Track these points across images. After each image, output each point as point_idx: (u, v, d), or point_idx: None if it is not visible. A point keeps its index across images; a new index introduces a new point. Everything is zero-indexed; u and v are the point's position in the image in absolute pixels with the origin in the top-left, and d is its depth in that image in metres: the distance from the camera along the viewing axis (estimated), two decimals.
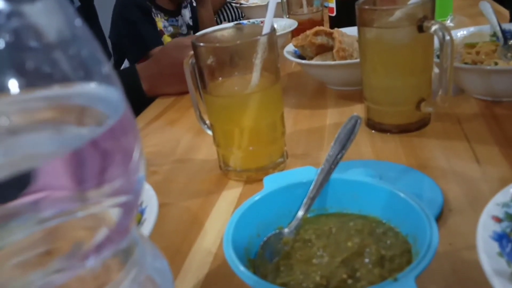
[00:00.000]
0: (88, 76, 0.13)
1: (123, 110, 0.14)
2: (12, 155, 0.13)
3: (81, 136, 0.13)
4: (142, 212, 0.41)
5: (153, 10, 1.49)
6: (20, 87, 0.12)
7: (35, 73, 0.12)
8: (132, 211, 0.16)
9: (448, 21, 1.01)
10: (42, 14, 0.12)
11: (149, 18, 1.47)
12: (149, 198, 0.42)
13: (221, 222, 0.47)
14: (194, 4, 1.71)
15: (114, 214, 0.15)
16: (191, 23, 1.63)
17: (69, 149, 0.13)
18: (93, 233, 0.15)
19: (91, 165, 0.13)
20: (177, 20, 1.55)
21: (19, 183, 0.12)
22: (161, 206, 0.44)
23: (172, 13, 1.54)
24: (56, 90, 0.13)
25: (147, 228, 0.38)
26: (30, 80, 0.12)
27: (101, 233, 0.15)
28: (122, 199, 0.15)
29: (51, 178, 0.13)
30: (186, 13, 1.62)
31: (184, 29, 1.58)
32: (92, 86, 0.13)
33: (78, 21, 0.13)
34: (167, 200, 0.52)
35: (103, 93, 0.14)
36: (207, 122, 0.57)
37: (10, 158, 0.13)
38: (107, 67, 0.14)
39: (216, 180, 0.56)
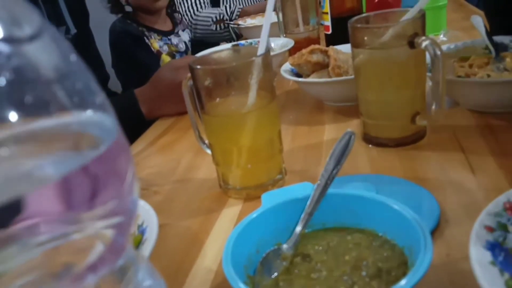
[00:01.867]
0: (83, 105, 0.14)
1: (116, 136, 0.15)
2: (11, 180, 0.14)
3: (76, 161, 0.14)
4: (143, 232, 0.42)
5: (146, 33, 1.51)
6: (20, 118, 0.13)
7: (34, 105, 0.13)
8: (126, 231, 0.17)
9: (441, 36, 1.03)
10: (40, 52, 0.13)
11: (143, 44, 1.50)
12: (150, 218, 0.43)
13: (221, 240, 0.48)
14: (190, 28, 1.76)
15: (109, 234, 0.16)
16: (189, 45, 1.67)
17: (64, 173, 0.14)
18: (89, 254, 0.16)
19: (86, 187, 0.14)
20: (169, 39, 1.57)
21: (16, 208, 0.13)
22: (162, 225, 0.45)
23: (166, 33, 1.57)
24: (53, 120, 0.14)
25: (148, 248, 0.39)
26: (29, 111, 0.13)
27: (97, 253, 0.16)
28: (116, 219, 0.16)
29: (48, 201, 0.14)
30: (186, 36, 1.66)
31: (181, 47, 1.60)
32: (87, 114, 0.14)
33: (73, 56, 0.14)
34: (168, 220, 0.53)
35: (97, 120, 0.15)
36: (206, 141, 0.58)
37: (8, 183, 0.14)
38: (101, 97, 0.15)
39: (216, 198, 0.56)
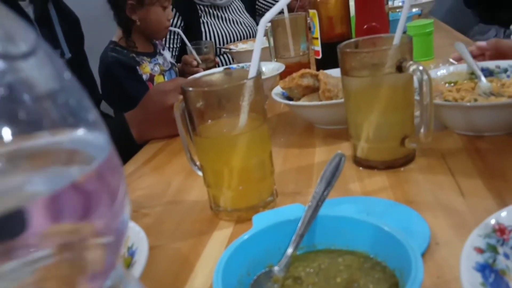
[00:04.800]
0: (76, 123, 0.14)
1: (108, 154, 0.15)
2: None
3: (66, 178, 0.14)
4: (132, 255, 0.41)
5: (136, 58, 1.53)
6: (12, 134, 0.13)
7: (27, 121, 0.13)
8: (116, 250, 0.16)
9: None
10: (34, 69, 0.13)
11: (134, 74, 1.51)
12: (140, 240, 0.43)
13: (212, 263, 0.47)
14: (169, 46, 1.81)
15: (99, 253, 0.16)
16: (172, 61, 1.70)
17: (53, 190, 0.13)
18: (78, 273, 0.16)
19: (75, 206, 0.14)
20: (156, 60, 1.60)
21: (5, 225, 0.13)
22: (152, 248, 0.44)
23: (152, 54, 1.60)
24: (46, 137, 0.14)
25: (137, 270, 0.38)
26: (21, 128, 0.13)
27: (86, 273, 0.16)
28: (107, 238, 0.16)
29: (39, 219, 0.14)
30: (167, 54, 1.69)
31: (167, 65, 1.64)
32: (79, 132, 0.15)
33: (67, 74, 0.14)
34: (158, 242, 0.52)
35: (89, 137, 0.15)
36: (198, 163, 0.58)
37: None
38: (93, 114, 0.15)
39: (207, 220, 0.56)
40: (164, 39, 1.83)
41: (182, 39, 1.76)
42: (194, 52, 1.57)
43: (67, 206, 0.14)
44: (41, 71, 0.14)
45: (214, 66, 1.60)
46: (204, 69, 1.54)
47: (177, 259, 0.49)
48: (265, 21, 0.52)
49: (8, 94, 0.13)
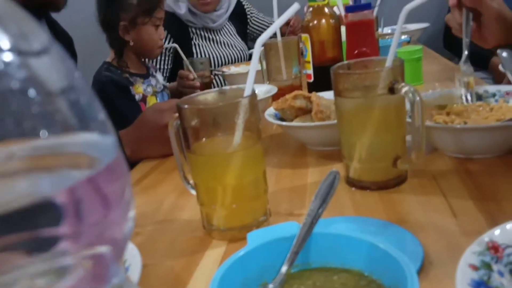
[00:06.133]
0: (86, 123, 0.14)
1: (115, 155, 0.15)
2: (6, 198, 0.14)
3: (74, 180, 0.14)
4: (125, 271, 0.41)
5: (130, 79, 1.54)
6: (22, 134, 0.13)
7: (37, 120, 0.13)
8: (120, 253, 0.16)
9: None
10: (46, 68, 0.13)
11: (127, 94, 1.52)
12: (133, 257, 0.42)
13: (204, 282, 0.47)
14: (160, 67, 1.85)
15: (101, 256, 0.16)
16: (165, 83, 1.72)
17: (59, 192, 0.13)
18: (82, 275, 0.15)
19: (78, 210, 0.14)
20: (149, 81, 1.62)
21: (8, 226, 0.13)
22: (145, 266, 0.44)
23: (145, 75, 1.62)
24: (56, 137, 0.14)
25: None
26: (32, 127, 0.13)
27: (89, 275, 0.15)
28: (111, 241, 0.16)
29: (42, 221, 0.14)
30: (159, 76, 1.71)
31: (159, 87, 1.65)
32: (89, 133, 0.15)
33: (78, 73, 0.14)
34: (151, 261, 0.52)
35: (99, 138, 0.15)
36: (191, 182, 0.58)
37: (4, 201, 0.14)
38: (102, 115, 0.15)
39: (200, 239, 0.55)
40: (156, 59, 1.84)
41: (173, 60, 1.77)
42: (190, 67, 1.58)
43: (74, 208, 0.14)
44: (53, 70, 0.14)
45: (210, 81, 1.61)
46: (201, 83, 1.55)
47: (169, 277, 0.48)
48: (261, 41, 0.53)
49: (20, 90, 0.13)
